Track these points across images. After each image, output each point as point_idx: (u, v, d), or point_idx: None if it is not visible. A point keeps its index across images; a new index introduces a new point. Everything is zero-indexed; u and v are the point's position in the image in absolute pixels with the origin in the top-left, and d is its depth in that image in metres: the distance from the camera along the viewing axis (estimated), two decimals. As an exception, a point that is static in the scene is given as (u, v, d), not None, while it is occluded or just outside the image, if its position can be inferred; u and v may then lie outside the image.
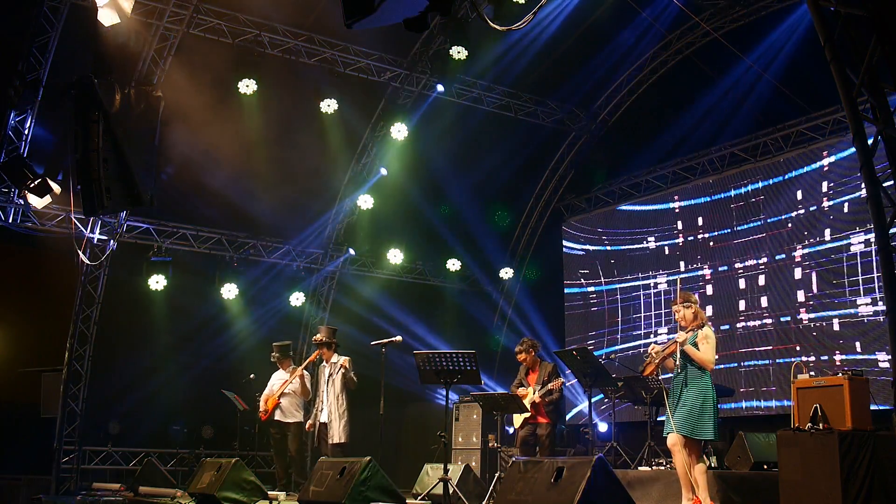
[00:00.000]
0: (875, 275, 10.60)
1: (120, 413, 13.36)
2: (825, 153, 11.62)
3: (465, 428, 12.66)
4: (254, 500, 8.63)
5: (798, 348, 11.53)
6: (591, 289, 15.01)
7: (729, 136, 12.95)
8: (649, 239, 14.10)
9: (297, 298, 14.57)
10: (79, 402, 12.74)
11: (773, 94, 12.04)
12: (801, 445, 6.44)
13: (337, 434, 9.60)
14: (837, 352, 11.02)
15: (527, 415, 9.50)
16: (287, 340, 11.00)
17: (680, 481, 6.92)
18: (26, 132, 11.29)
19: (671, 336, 13.11)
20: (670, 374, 7.15)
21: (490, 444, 11.87)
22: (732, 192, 12.85)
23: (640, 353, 13.90)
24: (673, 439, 6.85)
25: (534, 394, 9.46)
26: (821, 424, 6.43)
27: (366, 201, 14.37)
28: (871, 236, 10.42)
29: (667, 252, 13.74)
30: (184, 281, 13.35)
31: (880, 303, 10.42)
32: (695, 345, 6.86)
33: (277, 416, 10.37)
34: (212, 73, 12.29)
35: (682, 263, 13.46)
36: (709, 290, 12.91)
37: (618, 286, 14.53)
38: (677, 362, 6.93)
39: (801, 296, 11.63)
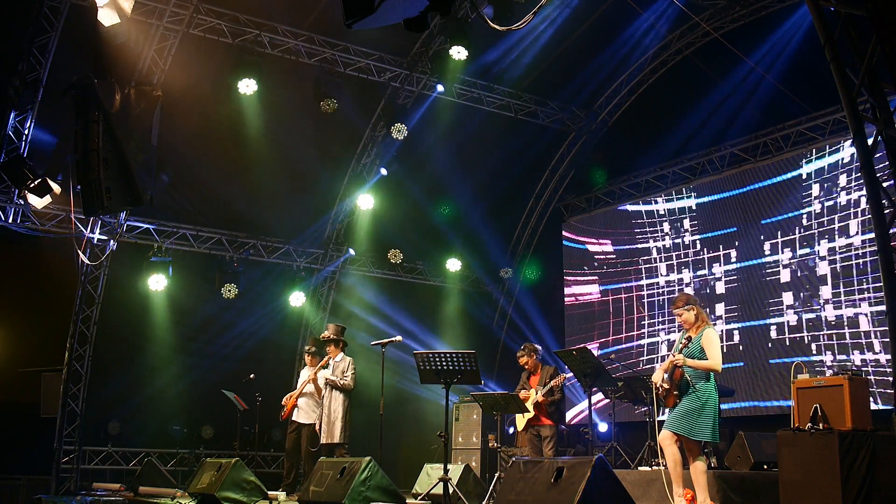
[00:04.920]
0: (875, 274, 10.59)
1: (120, 413, 13.36)
2: (825, 153, 11.62)
3: (465, 428, 12.67)
4: (254, 500, 8.63)
5: (798, 348, 11.53)
6: (592, 288, 15.02)
7: (729, 136, 12.95)
8: (649, 239, 14.10)
9: (297, 298, 14.55)
10: (79, 402, 12.75)
11: (773, 94, 12.04)
12: (801, 445, 6.44)
13: (336, 434, 9.62)
14: (837, 352, 11.02)
15: (529, 416, 9.51)
16: (320, 336, 10.66)
17: (671, 476, 6.92)
18: (26, 132, 11.29)
19: (672, 338, 13.15)
20: None
21: (490, 444, 11.87)
22: (732, 192, 12.85)
23: (639, 353, 13.91)
24: (664, 434, 6.85)
25: (536, 395, 9.47)
26: (821, 424, 6.43)
27: (366, 201, 14.38)
28: (871, 236, 10.42)
29: (667, 252, 13.74)
30: (184, 281, 13.36)
31: (880, 303, 10.42)
32: (700, 350, 6.81)
33: (295, 415, 10.38)
34: (212, 74, 12.30)
35: (681, 263, 13.46)
36: (709, 290, 12.91)
37: (618, 286, 14.53)
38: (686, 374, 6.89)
39: (801, 296, 11.63)
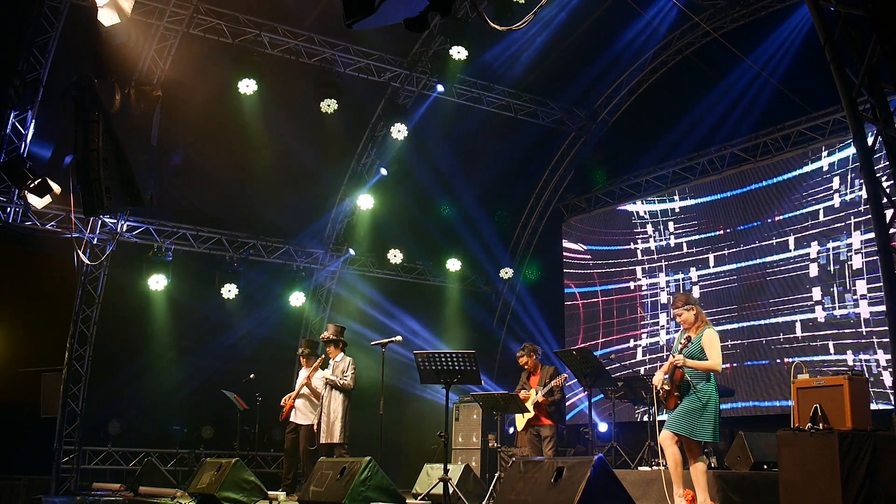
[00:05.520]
0: (874, 275, 10.58)
1: (120, 413, 13.36)
2: (825, 153, 11.62)
3: (465, 428, 12.66)
4: (254, 500, 8.63)
5: (798, 348, 11.52)
6: (591, 289, 15.02)
7: (729, 136, 12.95)
8: (649, 239, 14.10)
9: (297, 298, 14.56)
10: (79, 402, 12.75)
11: (773, 94, 12.04)
12: (801, 445, 6.44)
13: (336, 434, 9.62)
14: (837, 351, 11.01)
15: (529, 416, 9.51)
16: (319, 337, 10.72)
17: (672, 477, 6.91)
18: (26, 132, 11.29)
19: (670, 338, 13.15)
20: None
21: (490, 444, 11.87)
22: (732, 193, 12.85)
23: (640, 352, 13.91)
24: (665, 435, 6.83)
25: (536, 395, 9.47)
26: (821, 424, 6.43)
27: (366, 201, 14.37)
28: (871, 236, 10.41)
29: (666, 252, 13.74)
30: (184, 281, 13.36)
31: (880, 303, 10.41)
32: (700, 350, 6.80)
33: (293, 416, 10.39)
34: (212, 73, 12.30)
35: (681, 264, 13.46)
36: (709, 289, 12.91)
37: (618, 286, 14.53)
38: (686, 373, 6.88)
39: (800, 295, 11.62)
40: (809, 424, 6.46)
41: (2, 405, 12.63)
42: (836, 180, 11.40)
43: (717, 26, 12.70)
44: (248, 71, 11.90)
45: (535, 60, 13.58)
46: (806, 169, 11.82)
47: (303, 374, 10.58)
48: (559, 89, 14.52)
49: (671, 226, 13.73)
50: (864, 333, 10.76)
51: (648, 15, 12.76)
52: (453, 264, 15.76)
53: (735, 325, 12.43)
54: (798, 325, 11.59)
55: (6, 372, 12.71)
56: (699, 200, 13.37)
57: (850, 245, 11.08)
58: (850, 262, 11.05)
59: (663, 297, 13.66)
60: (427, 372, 8.38)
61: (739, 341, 12.31)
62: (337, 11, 5.01)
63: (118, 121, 8.72)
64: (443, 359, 8.24)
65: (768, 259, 12.13)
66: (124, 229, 12.86)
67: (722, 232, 12.91)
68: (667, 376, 6.85)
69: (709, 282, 12.97)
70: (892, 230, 7.10)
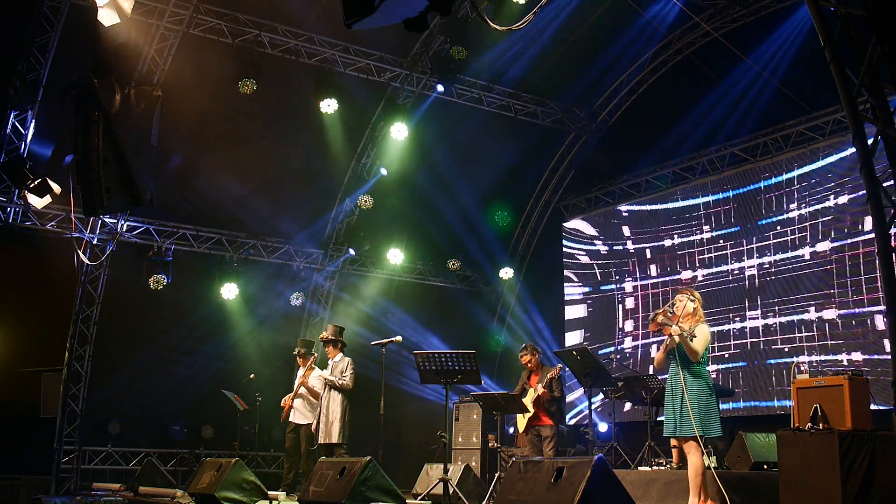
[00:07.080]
0: (874, 275, 10.58)
1: (120, 413, 13.36)
2: (825, 153, 11.61)
3: (465, 428, 12.66)
4: (254, 500, 8.63)
5: (798, 348, 11.53)
6: (591, 289, 15.01)
7: (729, 136, 12.95)
8: (649, 239, 14.09)
9: (297, 298, 14.56)
10: (79, 402, 12.74)
11: (773, 94, 12.05)
12: (801, 445, 6.43)
13: (335, 434, 9.61)
14: (837, 351, 11.02)
15: (530, 415, 9.51)
16: (318, 337, 10.86)
17: (690, 485, 6.86)
18: (26, 132, 11.28)
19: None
20: (667, 375, 7.14)
21: (490, 444, 11.88)
22: (732, 193, 12.86)
23: (640, 353, 13.91)
24: (688, 444, 6.77)
25: (536, 390, 9.48)
26: (821, 424, 6.43)
27: (366, 201, 14.37)
28: (871, 236, 10.41)
29: (666, 252, 13.74)
30: (184, 281, 13.35)
31: (880, 303, 10.42)
32: (690, 339, 6.81)
33: (292, 416, 10.40)
34: (212, 74, 12.30)
35: (681, 263, 13.45)
36: (708, 289, 12.90)
37: (617, 286, 14.52)
38: (675, 356, 6.90)
39: (800, 295, 11.62)
40: (809, 424, 6.45)
41: (2, 405, 12.62)
42: (837, 180, 11.42)
43: (717, 26, 12.70)
44: (249, 71, 11.90)
45: (536, 60, 13.58)
46: (806, 169, 11.82)
47: (301, 373, 10.60)
48: (559, 89, 14.51)
49: (670, 226, 13.73)
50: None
51: (648, 15, 12.75)
52: (453, 264, 15.76)
53: (734, 325, 12.43)
54: (800, 324, 11.60)
55: (6, 372, 12.70)
56: (699, 200, 13.37)
57: (857, 243, 11.08)
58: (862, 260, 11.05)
59: (663, 298, 13.66)
60: (427, 372, 8.39)
61: (740, 340, 12.32)
62: (337, 11, 5.00)
63: (118, 121, 8.70)
64: (443, 359, 8.25)
65: (767, 259, 12.13)
66: (124, 229, 12.85)
67: (720, 232, 12.90)
68: (662, 319, 6.93)
69: (710, 281, 12.96)
70: (892, 230, 7.10)
